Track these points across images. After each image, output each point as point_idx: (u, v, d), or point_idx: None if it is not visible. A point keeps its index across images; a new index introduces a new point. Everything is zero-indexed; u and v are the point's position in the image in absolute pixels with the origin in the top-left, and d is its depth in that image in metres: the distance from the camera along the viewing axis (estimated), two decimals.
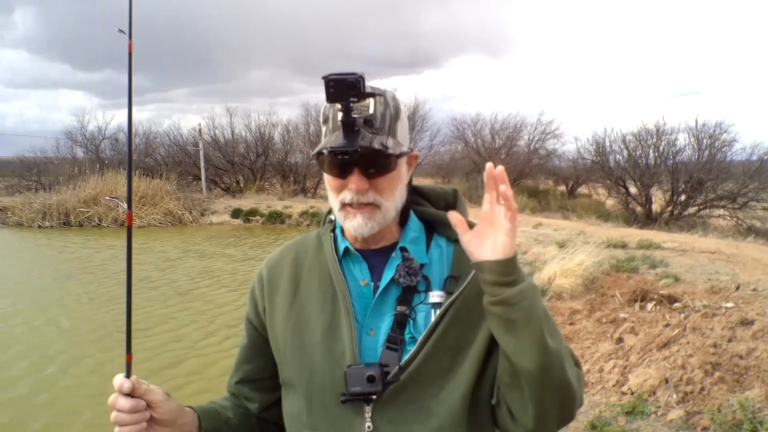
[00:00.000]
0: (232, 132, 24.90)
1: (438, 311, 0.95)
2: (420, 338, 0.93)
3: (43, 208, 16.77)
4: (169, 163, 23.93)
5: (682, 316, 4.62)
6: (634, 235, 9.96)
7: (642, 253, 7.76)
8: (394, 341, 0.94)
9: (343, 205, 0.95)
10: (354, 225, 0.94)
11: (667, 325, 4.48)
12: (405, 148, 0.96)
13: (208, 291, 8.25)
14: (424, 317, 0.96)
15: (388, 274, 0.98)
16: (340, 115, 0.88)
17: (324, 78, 0.81)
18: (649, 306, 5.14)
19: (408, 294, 0.97)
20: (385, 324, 0.96)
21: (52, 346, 5.74)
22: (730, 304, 4.69)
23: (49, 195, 17.79)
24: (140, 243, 13.48)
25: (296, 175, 24.01)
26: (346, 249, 1.01)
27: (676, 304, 4.98)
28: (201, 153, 22.70)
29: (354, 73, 0.81)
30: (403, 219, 1.05)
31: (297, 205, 17.93)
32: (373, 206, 0.94)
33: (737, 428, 3.00)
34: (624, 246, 8.48)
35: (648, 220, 15.99)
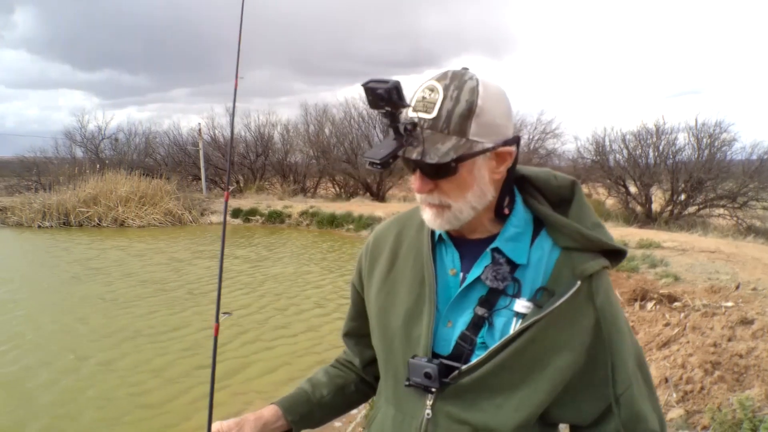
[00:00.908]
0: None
1: (519, 323, 0.89)
2: (492, 347, 0.89)
3: (43, 208, 16.76)
4: (169, 163, 23.95)
5: (682, 315, 4.62)
6: (634, 234, 9.96)
7: (642, 252, 7.75)
8: (465, 340, 0.93)
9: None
10: (426, 218, 0.93)
11: (667, 325, 4.48)
12: (488, 144, 0.87)
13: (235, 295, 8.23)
14: (503, 324, 0.91)
15: (476, 271, 0.94)
16: (414, 100, 0.88)
17: (363, 85, 0.80)
18: (649, 305, 5.14)
19: (492, 295, 0.92)
20: (464, 319, 0.94)
21: (74, 349, 5.64)
22: (729, 304, 4.69)
23: (48, 195, 17.78)
24: (149, 244, 13.40)
25: (296, 175, 24.02)
26: (441, 236, 1.00)
27: (676, 304, 4.98)
28: (201, 153, 22.71)
29: (387, 81, 0.78)
30: (499, 208, 0.96)
31: (297, 205, 17.93)
32: (441, 206, 0.91)
33: (737, 427, 3.00)
34: (624, 245, 8.46)
35: (648, 219, 15.99)
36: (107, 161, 22.58)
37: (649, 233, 10.30)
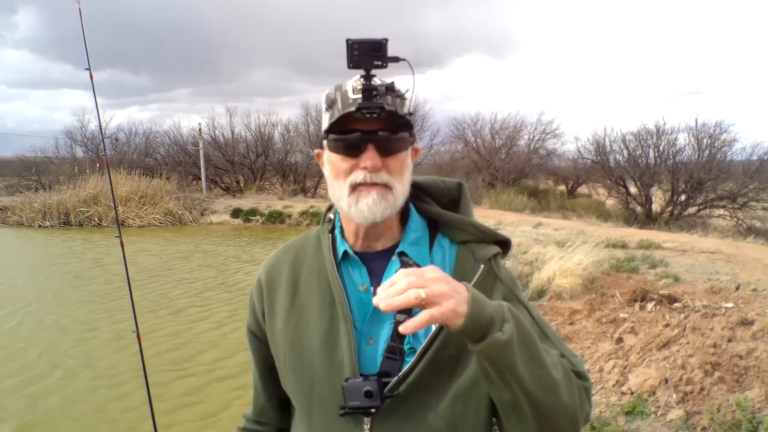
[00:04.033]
0: (232, 132, 24.91)
1: None
2: (420, 349, 0.89)
3: (44, 207, 16.78)
4: (169, 162, 23.94)
5: (682, 316, 4.62)
6: (633, 234, 9.95)
7: (642, 253, 7.75)
8: (394, 351, 0.90)
9: (354, 188, 0.90)
10: (368, 204, 0.88)
11: (666, 325, 4.48)
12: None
13: None
14: None
15: (386, 279, 0.93)
16: (354, 83, 0.88)
17: (347, 40, 0.80)
18: (649, 306, 5.14)
19: None
20: (385, 332, 0.92)
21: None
22: (729, 304, 4.69)
23: (49, 195, 17.80)
24: (178, 245, 13.37)
25: (296, 175, 24.02)
26: (345, 252, 0.97)
27: (676, 304, 4.98)
28: (201, 153, 22.71)
29: (375, 38, 0.80)
30: (404, 216, 0.99)
31: (297, 205, 17.94)
32: (386, 186, 0.89)
33: (737, 428, 3.00)
34: (624, 246, 8.47)
35: (648, 219, 15.99)
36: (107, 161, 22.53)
37: (649, 234, 10.30)
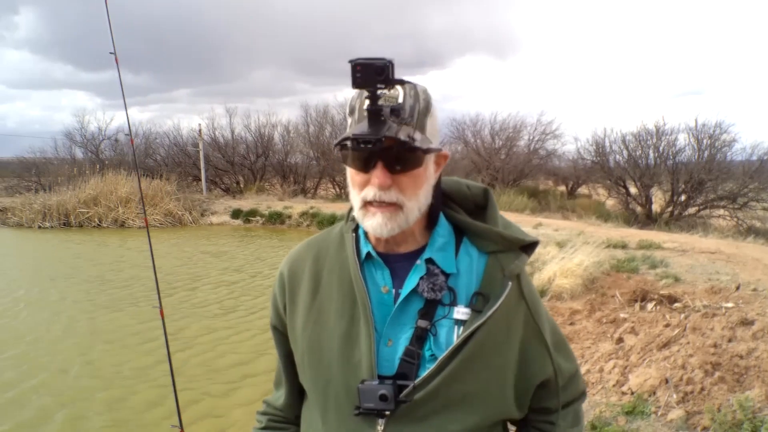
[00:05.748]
0: (232, 132, 24.92)
1: (462, 330, 0.90)
2: (441, 357, 0.89)
3: (43, 208, 16.78)
4: (169, 163, 23.94)
5: (682, 316, 4.61)
6: (634, 235, 9.95)
7: (642, 253, 7.75)
8: (412, 355, 0.90)
9: (365, 204, 0.89)
10: (373, 224, 0.88)
11: (667, 325, 4.47)
12: (434, 145, 0.90)
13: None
14: (446, 333, 0.91)
15: (410, 284, 0.93)
16: (366, 103, 0.84)
17: (351, 62, 0.78)
18: (649, 306, 5.14)
19: (430, 307, 0.92)
20: (405, 335, 0.92)
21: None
22: (730, 304, 4.69)
23: (48, 196, 17.80)
24: (195, 247, 13.36)
25: (296, 176, 24.03)
26: (368, 253, 0.96)
27: (676, 304, 4.98)
28: (201, 153, 22.71)
29: (383, 59, 0.78)
30: (431, 221, 0.98)
31: (297, 206, 17.94)
32: (395, 206, 0.88)
33: (737, 428, 3.00)
34: (624, 246, 8.47)
35: (648, 220, 16.00)
36: (107, 162, 22.57)
37: (649, 234, 10.30)
